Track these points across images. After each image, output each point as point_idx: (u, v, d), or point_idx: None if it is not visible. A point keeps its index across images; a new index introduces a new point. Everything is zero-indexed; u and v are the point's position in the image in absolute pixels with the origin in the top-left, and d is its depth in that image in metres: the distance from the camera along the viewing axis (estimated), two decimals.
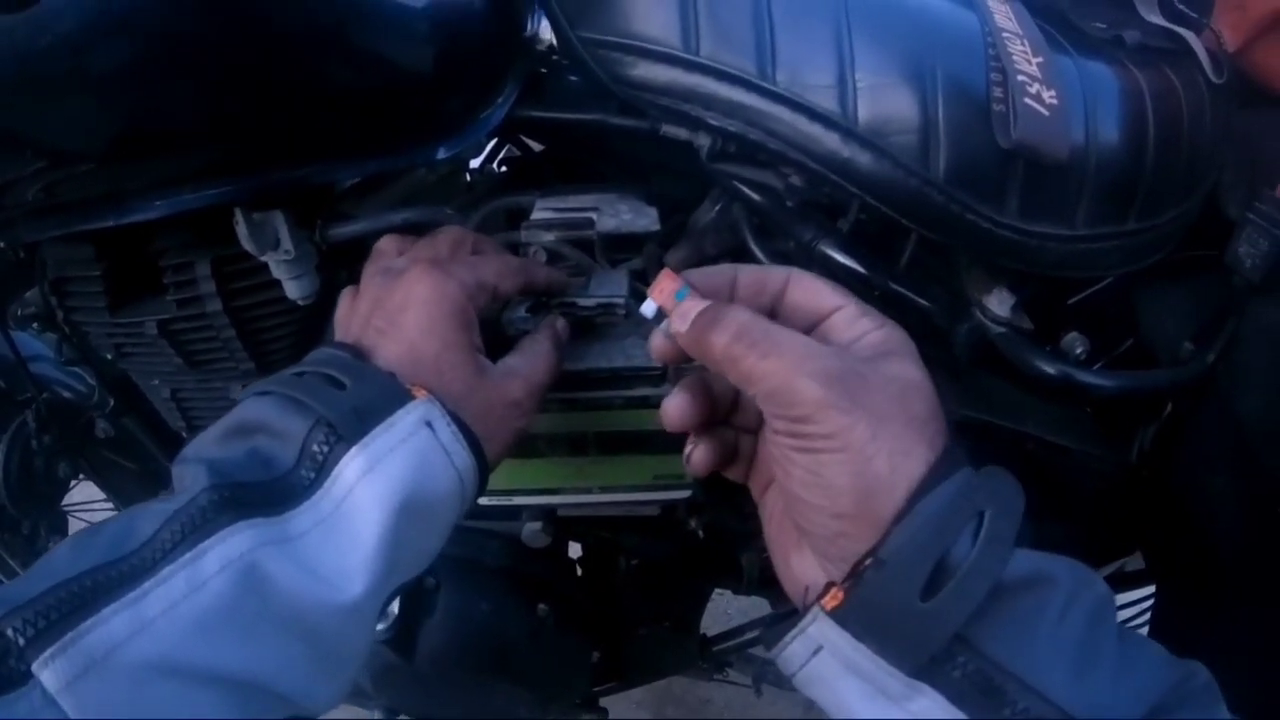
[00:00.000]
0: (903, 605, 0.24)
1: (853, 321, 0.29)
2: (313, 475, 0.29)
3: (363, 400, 0.30)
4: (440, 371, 0.32)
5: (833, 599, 0.25)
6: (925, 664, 0.23)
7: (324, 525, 0.28)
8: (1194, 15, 0.51)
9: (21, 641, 0.22)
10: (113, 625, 0.24)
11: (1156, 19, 0.50)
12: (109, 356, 0.58)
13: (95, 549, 0.25)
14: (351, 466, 0.29)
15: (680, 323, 0.29)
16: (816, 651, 0.26)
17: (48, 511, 0.70)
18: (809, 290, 0.30)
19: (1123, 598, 0.70)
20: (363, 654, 0.31)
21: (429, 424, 0.30)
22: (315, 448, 0.29)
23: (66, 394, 0.74)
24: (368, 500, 0.28)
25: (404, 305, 0.34)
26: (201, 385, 0.58)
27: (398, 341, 0.33)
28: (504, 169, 0.54)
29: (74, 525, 0.83)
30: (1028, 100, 0.37)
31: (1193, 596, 0.58)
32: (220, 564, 0.25)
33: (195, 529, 0.26)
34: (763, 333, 0.27)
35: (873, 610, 0.24)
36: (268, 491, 0.28)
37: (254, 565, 0.26)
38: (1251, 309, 0.50)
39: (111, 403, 0.68)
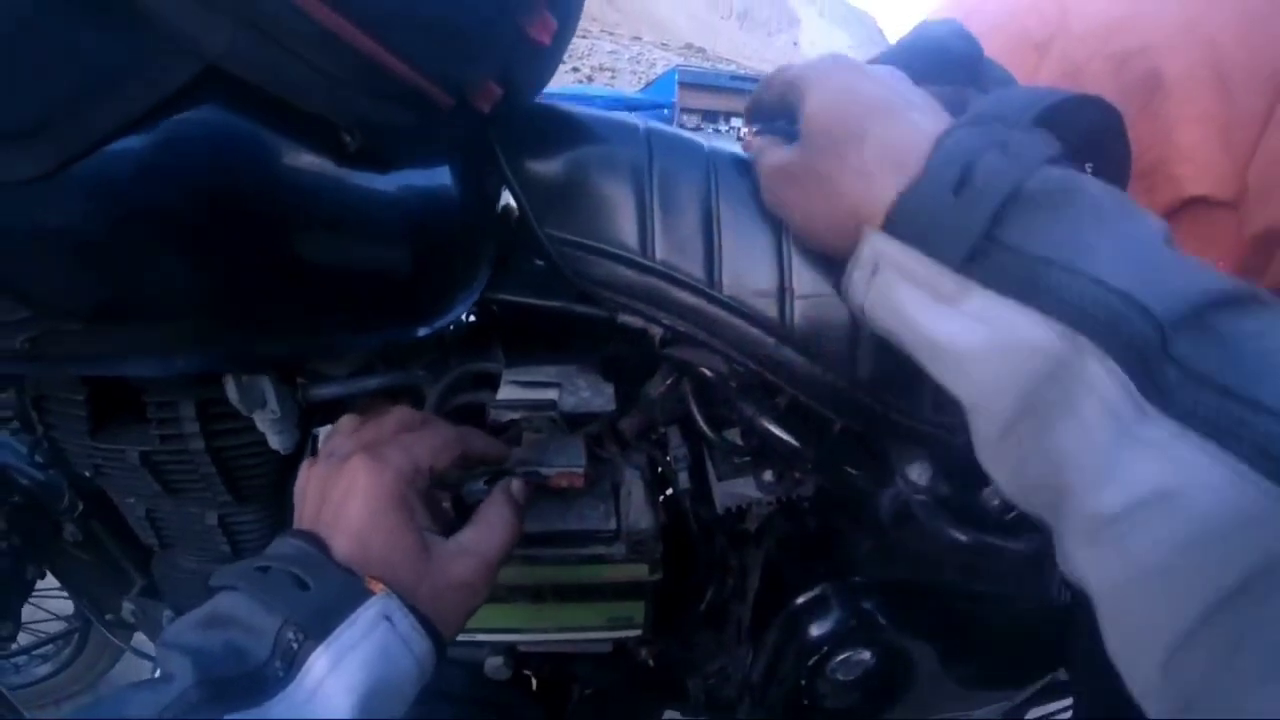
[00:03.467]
0: (937, 204, 0.27)
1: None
2: (284, 670, 0.31)
3: (325, 600, 0.33)
4: (389, 561, 0.36)
5: (880, 217, 0.29)
6: (967, 257, 0.26)
7: (299, 715, 0.31)
8: None
9: None
10: None
11: None
12: (86, 474, 0.60)
13: None
14: (320, 663, 0.32)
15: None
16: (875, 270, 0.29)
17: (12, 612, 0.71)
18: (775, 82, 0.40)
19: (1051, 707, 0.75)
20: None
21: (388, 618, 0.34)
22: (287, 645, 0.32)
23: (31, 485, 0.75)
24: (336, 691, 0.32)
25: (345, 497, 0.37)
26: (177, 509, 0.60)
27: (346, 534, 0.36)
28: (472, 318, 0.58)
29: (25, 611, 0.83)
30: None
31: (1103, 707, 0.63)
32: None
33: None
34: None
35: (914, 215, 0.28)
36: (247, 684, 0.31)
37: None
38: None
39: (80, 507, 0.70)
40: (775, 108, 0.42)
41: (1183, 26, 0.57)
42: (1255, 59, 0.52)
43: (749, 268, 0.45)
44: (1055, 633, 0.62)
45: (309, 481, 0.40)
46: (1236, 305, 0.23)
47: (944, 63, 0.64)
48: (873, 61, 0.69)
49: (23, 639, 0.95)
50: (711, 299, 0.45)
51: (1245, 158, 0.52)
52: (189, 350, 0.44)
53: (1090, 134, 0.58)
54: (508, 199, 0.54)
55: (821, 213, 0.35)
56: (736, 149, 0.48)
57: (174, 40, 0.33)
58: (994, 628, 0.60)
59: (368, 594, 0.34)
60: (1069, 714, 0.78)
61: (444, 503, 0.45)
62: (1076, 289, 0.24)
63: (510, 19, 0.38)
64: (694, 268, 0.45)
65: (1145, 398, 0.23)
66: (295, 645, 0.32)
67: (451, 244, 0.47)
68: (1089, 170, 0.59)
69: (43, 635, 1.00)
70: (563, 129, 0.48)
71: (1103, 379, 0.24)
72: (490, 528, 0.40)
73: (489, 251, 0.49)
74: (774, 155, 0.39)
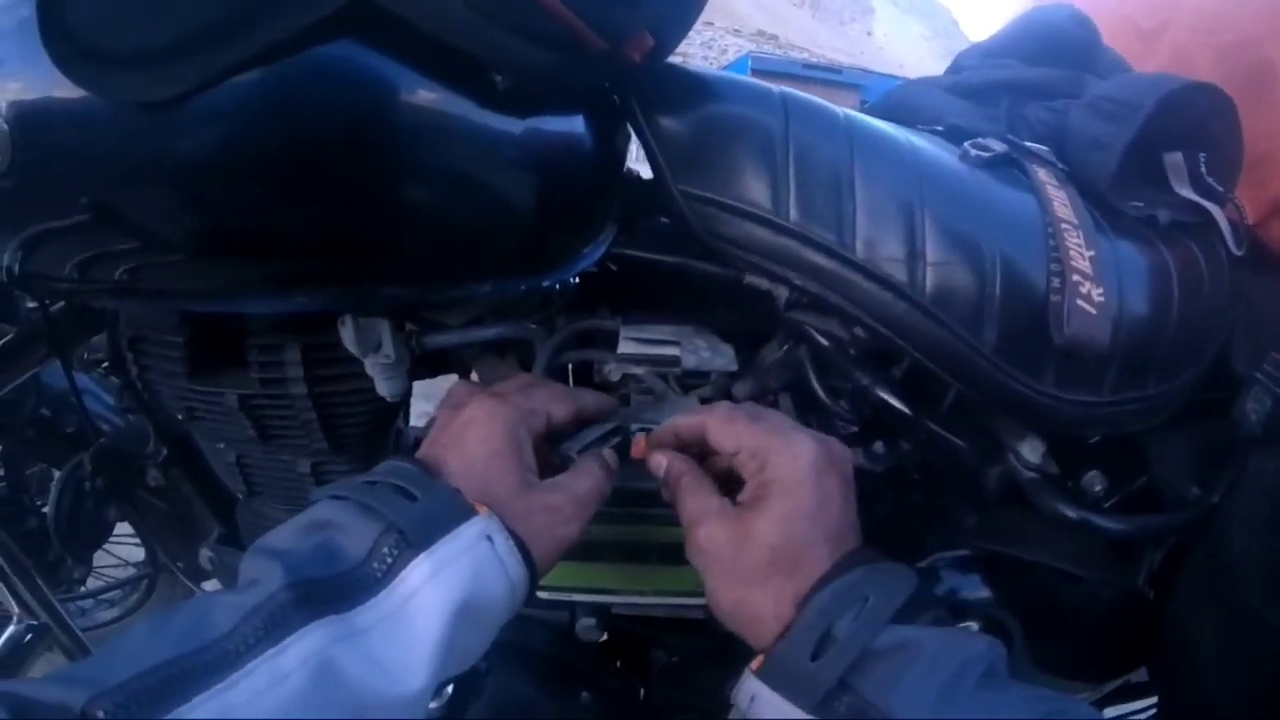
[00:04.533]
0: (798, 664, 0.33)
1: (745, 463, 0.39)
2: (380, 574, 0.31)
3: (431, 512, 0.33)
4: (487, 477, 0.37)
5: (757, 663, 0.35)
6: (819, 702, 0.32)
7: (388, 621, 0.31)
8: (1220, 189, 0.57)
9: None
10: (201, 713, 0.25)
11: (1187, 193, 0.56)
12: (179, 417, 0.60)
13: (175, 636, 0.27)
14: (418, 571, 0.32)
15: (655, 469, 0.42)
16: (752, 699, 0.34)
17: (86, 555, 0.72)
18: (721, 435, 0.40)
19: (1126, 707, 0.74)
20: None
21: (489, 538, 0.34)
22: (385, 550, 0.32)
23: (112, 430, 0.76)
24: (430, 602, 0.31)
25: (463, 429, 0.39)
26: (269, 456, 0.60)
27: (456, 458, 0.37)
28: (576, 280, 0.58)
29: (96, 557, 0.84)
30: (1079, 301, 0.42)
31: (1187, 712, 0.62)
32: (299, 659, 0.28)
33: (275, 625, 0.28)
34: (688, 488, 0.40)
35: (780, 669, 0.34)
36: (336, 586, 0.31)
37: (329, 660, 0.28)
38: (1253, 460, 0.56)
39: (165, 452, 0.70)
40: (693, 445, 0.42)
41: None
42: None
43: (882, 232, 0.45)
44: (1138, 629, 0.62)
45: (435, 424, 0.41)
46: None
47: (1058, 46, 0.64)
48: (985, 43, 0.69)
49: (91, 583, 0.96)
50: (845, 261, 0.45)
51: None
52: (311, 288, 0.44)
53: (1204, 123, 0.58)
54: (631, 163, 0.54)
55: (729, 597, 0.37)
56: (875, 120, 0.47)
57: None
58: (1082, 614, 0.59)
59: (472, 512, 0.34)
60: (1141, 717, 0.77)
61: (554, 459, 0.45)
62: None
63: None
64: (828, 230, 0.45)
65: None
66: (395, 551, 0.32)
67: (580, 196, 0.47)
68: (1203, 161, 0.59)
69: (110, 580, 1.01)
70: (697, 88, 0.48)
71: None
72: (581, 475, 0.41)
73: (616, 208, 0.49)
74: (705, 520, 0.39)
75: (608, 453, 0.44)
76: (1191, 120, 0.56)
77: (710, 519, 0.38)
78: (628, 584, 0.53)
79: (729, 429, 0.39)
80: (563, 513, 0.38)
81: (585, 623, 0.54)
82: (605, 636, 0.53)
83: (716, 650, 0.57)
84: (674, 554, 0.51)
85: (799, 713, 0.32)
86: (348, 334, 0.48)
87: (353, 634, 0.30)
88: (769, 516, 0.36)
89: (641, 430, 0.46)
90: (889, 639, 0.32)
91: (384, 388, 0.51)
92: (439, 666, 0.32)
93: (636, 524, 0.50)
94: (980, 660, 0.32)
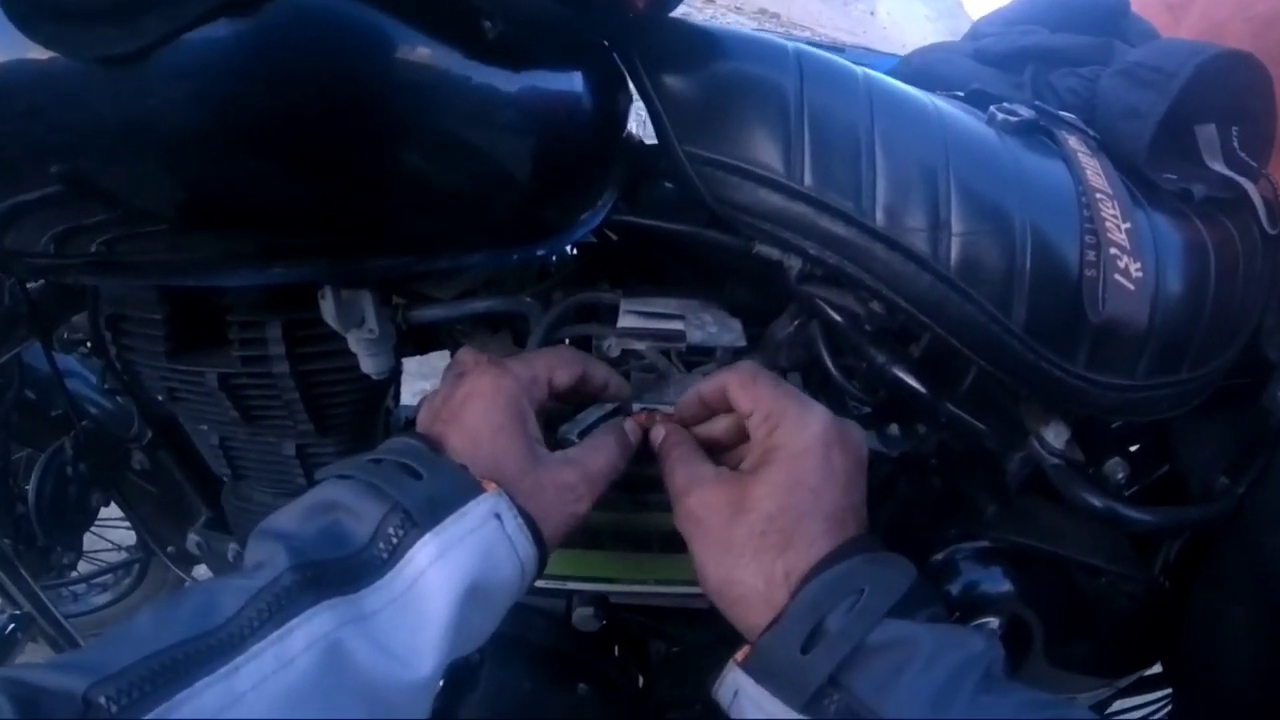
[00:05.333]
0: (787, 657, 0.31)
1: (756, 426, 0.37)
2: (386, 555, 0.31)
3: (437, 490, 0.32)
4: (495, 454, 0.35)
5: (743, 653, 0.33)
6: (808, 700, 0.30)
7: (396, 604, 0.30)
8: (1253, 164, 0.54)
9: (114, 709, 0.23)
10: (205, 698, 0.25)
11: (1220, 167, 0.53)
12: (159, 398, 0.58)
13: (179, 621, 0.26)
14: (424, 551, 0.31)
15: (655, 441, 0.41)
16: (736, 693, 0.32)
17: (74, 540, 0.69)
18: (740, 394, 0.38)
19: (1139, 699, 0.72)
20: None
21: (497, 516, 0.33)
22: (390, 530, 0.31)
23: (98, 413, 0.73)
24: (438, 583, 0.30)
25: (466, 399, 0.37)
26: (253, 438, 0.57)
27: (460, 431, 0.36)
28: (574, 251, 0.55)
29: (87, 540, 0.82)
30: (1117, 276, 0.39)
31: (1205, 707, 0.60)
32: (306, 642, 0.27)
33: (281, 608, 0.27)
34: (680, 458, 0.38)
35: (767, 661, 0.31)
36: (342, 568, 0.30)
37: (337, 643, 0.28)
38: None
39: (149, 435, 0.67)
40: (720, 409, 0.41)
41: None
42: None
43: (904, 200, 0.42)
44: (1157, 622, 0.59)
45: (436, 394, 0.39)
46: None
47: (1085, 11, 0.60)
48: (1005, 10, 0.66)
49: (83, 568, 0.94)
50: (864, 230, 0.42)
51: None
52: (289, 260, 0.41)
53: (1238, 94, 0.55)
54: (633, 126, 0.51)
55: (716, 572, 0.35)
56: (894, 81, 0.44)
57: None
58: (1101, 607, 0.57)
59: (480, 489, 0.33)
60: (1152, 710, 0.75)
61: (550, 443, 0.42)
62: None
63: None
64: (845, 197, 0.42)
65: None
66: (400, 532, 0.31)
67: (577, 159, 0.44)
68: (1235, 135, 0.56)
69: (103, 564, 0.99)
70: (705, 45, 0.44)
71: None
72: (596, 449, 0.39)
73: (616, 173, 0.46)
74: (697, 486, 0.37)
75: (629, 425, 0.41)
76: (1227, 91, 0.53)
77: (705, 484, 0.37)
78: (627, 572, 0.50)
79: (749, 388, 0.38)
80: (575, 490, 0.37)
81: (582, 612, 0.51)
82: (602, 625, 0.51)
83: (719, 642, 0.55)
84: (676, 542, 0.49)
85: (786, 711, 0.30)
86: (328, 308, 0.45)
87: (360, 617, 0.29)
88: (769, 483, 0.35)
89: (645, 411, 0.44)
90: (884, 634, 0.30)
91: (368, 365, 0.49)
92: (448, 650, 0.31)
93: (636, 511, 0.47)
94: (979, 661, 0.30)
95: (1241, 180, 0.53)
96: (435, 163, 0.39)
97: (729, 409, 0.40)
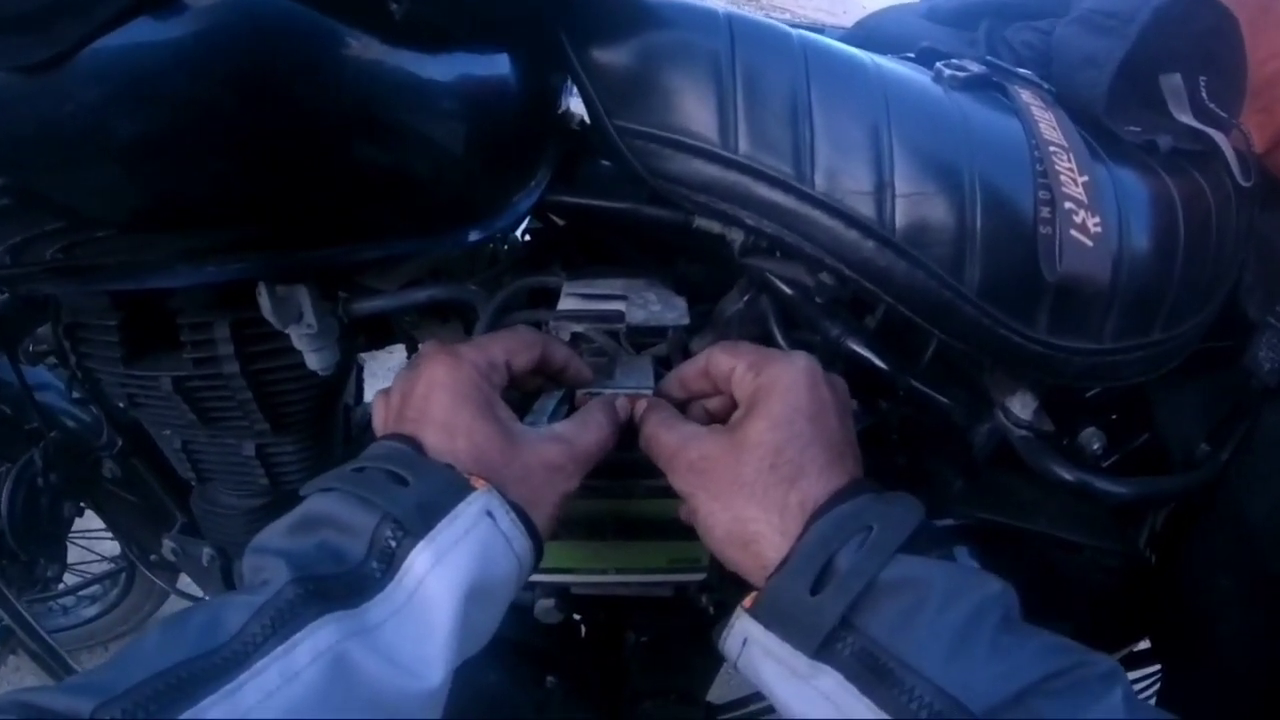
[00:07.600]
0: (796, 599, 0.29)
1: (741, 378, 0.36)
2: (383, 568, 0.30)
3: (426, 495, 0.31)
4: (473, 445, 0.34)
5: (750, 599, 0.32)
6: (820, 645, 0.28)
7: (399, 615, 0.29)
8: (1224, 115, 0.51)
9: None
10: (211, 716, 0.24)
11: (1188, 119, 0.50)
12: (120, 405, 0.58)
13: (185, 640, 0.26)
14: (421, 559, 0.30)
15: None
16: (745, 642, 0.31)
17: (52, 548, 0.69)
18: (720, 358, 0.38)
19: (1129, 675, 0.70)
20: None
21: (490, 514, 0.32)
22: (384, 542, 0.30)
23: (72, 424, 0.73)
24: (438, 590, 0.30)
25: (428, 391, 0.35)
26: (213, 440, 0.57)
27: (433, 426, 0.34)
28: (527, 237, 0.54)
29: (73, 553, 0.82)
30: (1073, 232, 0.37)
31: (1195, 681, 0.58)
32: (311, 656, 0.26)
33: (284, 622, 0.27)
34: (662, 422, 0.37)
35: (776, 605, 0.30)
36: (344, 585, 0.29)
37: (342, 656, 0.27)
38: (1267, 413, 0.51)
39: (119, 443, 0.67)
40: (701, 390, 0.40)
41: None
42: None
43: (845, 162, 0.40)
44: (1140, 597, 0.57)
45: (392, 389, 0.38)
46: (1046, 693, 0.26)
47: None
48: None
49: (71, 581, 0.95)
50: (803, 196, 0.40)
51: None
52: (220, 257, 0.41)
53: (1204, 41, 0.52)
54: (569, 104, 0.50)
55: (724, 526, 0.34)
56: (830, 40, 0.43)
57: None
58: (1081, 584, 0.55)
59: (469, 489, 0.32)
60: (1141, 686, 0.73)
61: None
62: (909, 684, 0.27)
63: None
64: (782, 162, 0.40)
65: None
66: (394, 543, 0.30)
67: (509, 141, 0.43)
68: (1203, 84, 0.54)
69: (89, 576, 0.99)
70: (634, 15, 0.43)
71: None
72: (584, 426, 0.38)
73: (550, 152, 0.45)
74: (693, 441, 0.36)
75: (620, 403, 0.40)
76: (1191, 38, 0.51)
77: (699, 437, 0.35)
78: (588, 562, 0.49)
79: (730, 350, 0.38)
80: (563, 470, 0.36)
81: (544, 604, 0.50)
82: (566, 618, 0.50)
83: (689, 630, 0.54)
84: (634, 529, 0.48)
85: (798, 657, 0.29)
86: (265, 304, 0.44)
87: (364, 630, 0.28)
88: (766, 417, 0.34)
89: (589, 395, 0.42)
90: (896, 572, 0.29)
91: (313, 360, 0.48)
92: (454, 654, 0.30)
93: (595, 498, 0.46)
94: (997, 601, 0.28)
95: (1211, 132, 0.51)
96: (356, 149, 0.38)
97: (710, 392, 0.39)
